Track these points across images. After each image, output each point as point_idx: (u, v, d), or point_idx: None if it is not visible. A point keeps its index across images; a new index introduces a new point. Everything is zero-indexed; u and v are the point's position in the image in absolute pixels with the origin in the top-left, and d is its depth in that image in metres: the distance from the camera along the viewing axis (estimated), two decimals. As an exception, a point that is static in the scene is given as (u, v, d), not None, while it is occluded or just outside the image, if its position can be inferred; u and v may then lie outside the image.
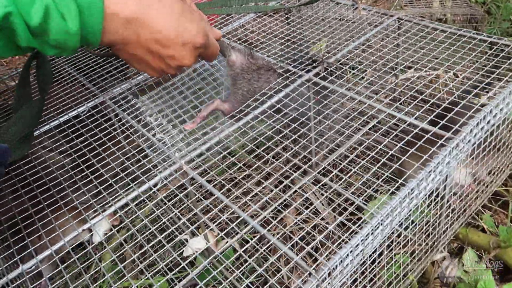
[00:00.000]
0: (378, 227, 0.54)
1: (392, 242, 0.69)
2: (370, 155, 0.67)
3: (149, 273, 0.55)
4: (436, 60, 0.82)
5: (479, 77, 0.77)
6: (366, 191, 0.82)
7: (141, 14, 0.58)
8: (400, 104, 0.70)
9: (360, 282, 0.66)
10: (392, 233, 0.64)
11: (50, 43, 0.56)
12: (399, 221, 0.60)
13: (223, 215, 0.62)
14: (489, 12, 1.83)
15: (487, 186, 0.88)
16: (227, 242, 0.86)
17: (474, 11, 1.53)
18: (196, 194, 0.66)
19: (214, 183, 0.82)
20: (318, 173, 0.66)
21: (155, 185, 0.65)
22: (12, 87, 1.05)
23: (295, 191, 0.76)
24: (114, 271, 0.63)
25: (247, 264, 0.54)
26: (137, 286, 0.83)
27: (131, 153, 0.75)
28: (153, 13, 0.59)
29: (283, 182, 0.95)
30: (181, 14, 0.62)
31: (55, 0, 0.54)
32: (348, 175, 0.63)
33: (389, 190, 0.83)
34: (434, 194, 0.64)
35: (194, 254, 0.84)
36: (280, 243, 0.54)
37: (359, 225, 0.53)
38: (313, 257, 0.87)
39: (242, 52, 0.79)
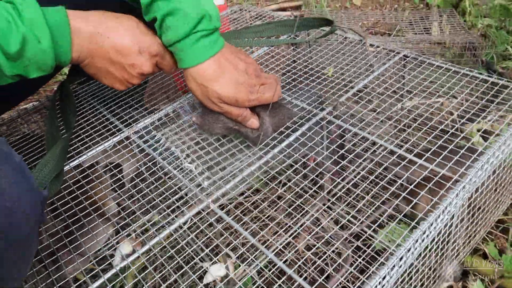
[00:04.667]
0: (396, 265, 0.60)
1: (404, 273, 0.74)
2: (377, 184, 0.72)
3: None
4: (440, 90, 0.89)
5: (476, 111, 0.84)
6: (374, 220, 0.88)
7: (102, 29, 0.70)
8: (408, 134, 0.75)
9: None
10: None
11: (31, 66, 0.64)
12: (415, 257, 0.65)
13: (242, 246, 0.68)
14: (485, 35, 1.91)
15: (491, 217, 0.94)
16: (245, 270, 0.91)
17: (471, 38, 1.60)
18: (220, 230, 0.71)
19: (233, 216, 0.87)
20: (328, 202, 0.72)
21: (184, 223, 0.70)
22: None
23: (308, 215, 0.82)
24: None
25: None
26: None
27: (159, 190, 0.80)
28: (112, 28, 0.71)
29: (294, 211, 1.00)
30: (135, 28, 0.74)
31: (29, 26, 0.61)
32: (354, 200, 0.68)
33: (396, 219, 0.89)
34: (442, 232, 0.70)
35: (213, 281, 0.89)
36: (296, 275, 0.59)
37: (381, 263, 0.58)
38: None
39: None
